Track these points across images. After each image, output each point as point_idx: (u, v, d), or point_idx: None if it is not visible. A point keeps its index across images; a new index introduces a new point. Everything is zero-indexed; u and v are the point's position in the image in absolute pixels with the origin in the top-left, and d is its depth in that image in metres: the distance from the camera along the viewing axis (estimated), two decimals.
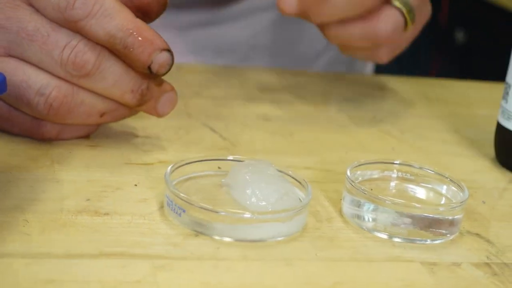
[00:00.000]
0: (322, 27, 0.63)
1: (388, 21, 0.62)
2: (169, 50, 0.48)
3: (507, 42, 0.58)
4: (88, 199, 0.45)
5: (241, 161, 0.48)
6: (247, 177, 0.45)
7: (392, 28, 0.62)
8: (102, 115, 0.51)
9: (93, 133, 0.53)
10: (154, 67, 0.48)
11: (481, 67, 0.82)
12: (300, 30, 0.81)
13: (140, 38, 0.48)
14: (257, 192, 0.45)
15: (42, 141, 0.51)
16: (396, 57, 0.89)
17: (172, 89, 0.52)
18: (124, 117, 0.53)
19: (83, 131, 0.53)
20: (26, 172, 0.47)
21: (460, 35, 1.72)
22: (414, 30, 0.66)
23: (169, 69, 0.49)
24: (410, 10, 0.62)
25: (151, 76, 0.50)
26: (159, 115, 0.52)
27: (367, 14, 0.61)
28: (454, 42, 1.71)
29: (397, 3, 0.62)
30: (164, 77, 0.51)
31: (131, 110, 0.52)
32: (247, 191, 0.45)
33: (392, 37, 0.63)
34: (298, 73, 0.76)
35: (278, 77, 0.74)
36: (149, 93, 0.50)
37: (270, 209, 0.44)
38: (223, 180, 0.47)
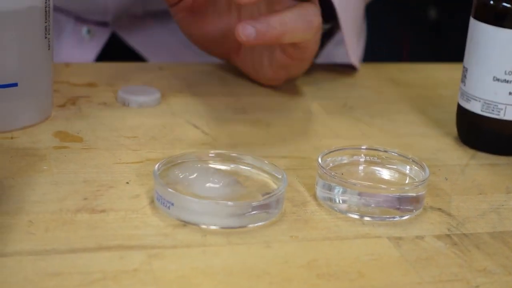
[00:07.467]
0: None
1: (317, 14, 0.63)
2: None
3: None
4: (85, 198, 0.50)
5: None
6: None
7: (318, 21, 0.63)
8: None
9: None
10: None
11: (454, 43, 0.87)
12: None
13: None
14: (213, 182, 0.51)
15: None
16: (368, 42, 0.93)
17: None
18: None
19: None
20: (27, 177, 0.52)
21: (433, 12, 1.77)
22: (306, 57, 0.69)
23: None
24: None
25: None
26: None
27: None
28: (426, 18, 1.76)
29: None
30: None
31: None
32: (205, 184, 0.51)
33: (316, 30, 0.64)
34: None
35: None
36: None
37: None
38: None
